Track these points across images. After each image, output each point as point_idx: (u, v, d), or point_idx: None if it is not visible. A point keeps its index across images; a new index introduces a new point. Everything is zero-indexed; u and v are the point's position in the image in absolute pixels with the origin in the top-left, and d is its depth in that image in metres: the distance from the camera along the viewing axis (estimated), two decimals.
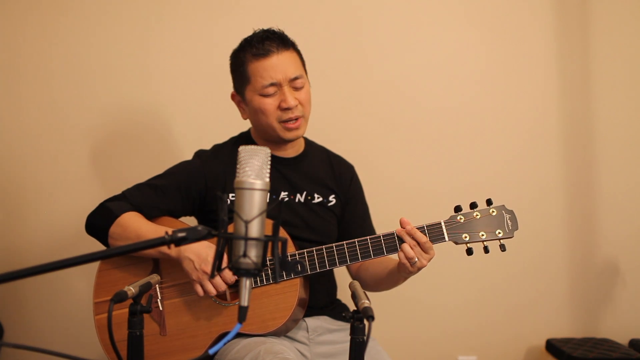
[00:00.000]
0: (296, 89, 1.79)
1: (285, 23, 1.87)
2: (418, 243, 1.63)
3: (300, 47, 1.85)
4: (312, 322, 1.84)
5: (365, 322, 1.18)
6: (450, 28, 2.55)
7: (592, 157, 2.57)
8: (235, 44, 1.86)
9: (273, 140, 1.85)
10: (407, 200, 2.51)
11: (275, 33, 1.80)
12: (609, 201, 2.56)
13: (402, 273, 1.70)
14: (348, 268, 2.00)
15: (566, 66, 2.56)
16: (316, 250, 1.70)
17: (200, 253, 1.65)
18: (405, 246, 1.62)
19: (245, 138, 1.93)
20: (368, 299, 1.23)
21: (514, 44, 2.55)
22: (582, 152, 2.58)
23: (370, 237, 1.68)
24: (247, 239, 1.01)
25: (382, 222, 2.01)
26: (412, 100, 2.54)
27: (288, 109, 1.76)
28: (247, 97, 1.81)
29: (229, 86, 1.93)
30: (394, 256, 1.70)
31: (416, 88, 2.54)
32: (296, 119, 1.78)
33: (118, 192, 1.83)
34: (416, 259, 1.62)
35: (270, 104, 1.77)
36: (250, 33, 1.82)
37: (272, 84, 1.76)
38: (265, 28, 1.80)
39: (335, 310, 1.93)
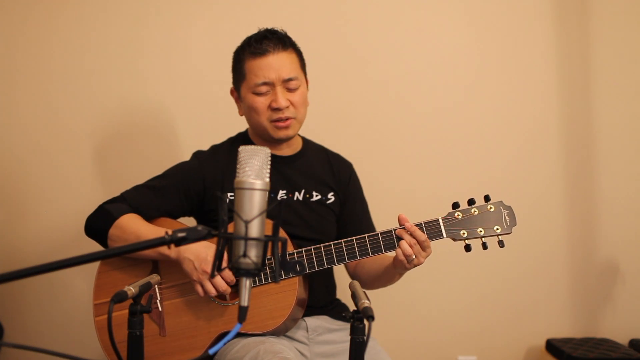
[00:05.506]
0: (290, 90, 1.79)
1: (284, 23, 1.87)
2: (417, 241, 1.63)
3: None
4: (312, 321, 1.84)
5: (365, 322, 1.18)
6: (449, 28, 2.55)
7: (592, 157, 2.57)
8: (233, 44, 1.86)
9: (267, 138, 1.85)
10: (405, 198, 2.51)
11: (275, 33, 1.80)
12: (609, 201, 2.56)
13: (397, 269, 1.71)
14: (346, 267, 2.00)
15: (566, 65, 2.55)
16: (314, 249, 1.70)
17: (199, 253, 1.65)
18: (404, 243, 1.62)
19: (243, 138, 1.93)
20: (368, 299, 1.23)
21: (514, 43, 2.55)
22: (582, 153, 2.57)
23: (368, 234, 1.68)
24: (247, 239, 1.01)
25: (380, 220, 2.02)
26: (411, 99, 2.53)
27: (278, 109, 1.77)
28: (242, 94, 1.83)
29: (228, 87, 1.93)
30: (390, 253, 1.70)
31: (414, 87, 2.54)
32: (286, 119, 1.79)
33: (118, 192, 1.83)
34: (414, 257, 1.62)
35: (261, 102, 1.78)
36: (249, 34, 1.83)
37: (264, 83, 1.76)
38: (269, 28, 1.81)
39: (335, 309, 1.93)
